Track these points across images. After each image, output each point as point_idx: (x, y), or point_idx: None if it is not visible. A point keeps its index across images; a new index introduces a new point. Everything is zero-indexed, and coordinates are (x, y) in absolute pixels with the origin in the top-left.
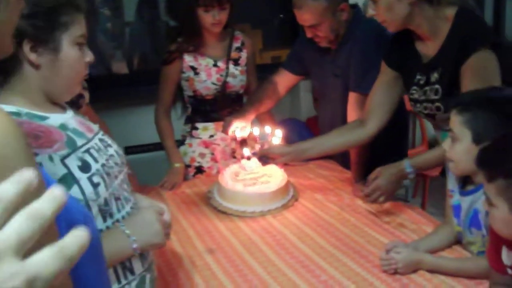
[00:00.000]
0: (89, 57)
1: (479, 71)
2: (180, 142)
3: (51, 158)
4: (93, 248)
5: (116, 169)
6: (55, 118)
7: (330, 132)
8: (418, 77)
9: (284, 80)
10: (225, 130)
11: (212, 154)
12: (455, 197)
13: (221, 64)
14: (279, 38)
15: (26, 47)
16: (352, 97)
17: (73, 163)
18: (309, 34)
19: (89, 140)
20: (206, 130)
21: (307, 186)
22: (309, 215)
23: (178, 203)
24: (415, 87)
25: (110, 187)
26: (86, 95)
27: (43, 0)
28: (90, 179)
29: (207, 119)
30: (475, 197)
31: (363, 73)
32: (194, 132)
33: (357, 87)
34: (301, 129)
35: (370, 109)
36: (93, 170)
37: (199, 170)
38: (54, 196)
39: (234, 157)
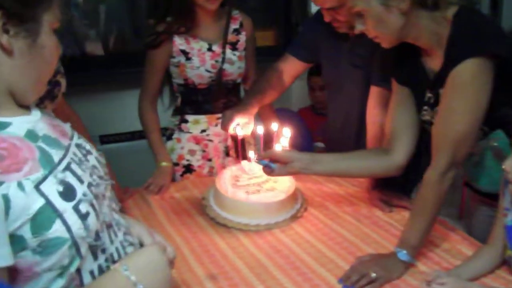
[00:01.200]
0: (60, 49)
1: (459, 86)
2: (167, 137)
3: (21, 186)
4: None
5: (102, 186)
6: (19, 124)
7: (350, 152)
8: (428, 95)
9: (290, 67)
10: (224, 127)
11: (204, 151)
12: (510, 217)
13: (216, 48)
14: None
15: None
16: (375, 92)
17: (51, 188)
18: (327, 18)
19: (66, 150)
20: (197, 123)
21: (316, 193)
22: (322, 228)
23: (167, 211)
24: (425, 107)
25: (100, 214)
26: (63, 82)
27: None
28: (76, 208)
29: (198, 111)
30: None
31: None
32: (183, 125)
33: (382, 81)
34: (295, 120)
35: (392, 136)
36: (79, 195)
37: (188, 169)
38: None
39: (228, 155)
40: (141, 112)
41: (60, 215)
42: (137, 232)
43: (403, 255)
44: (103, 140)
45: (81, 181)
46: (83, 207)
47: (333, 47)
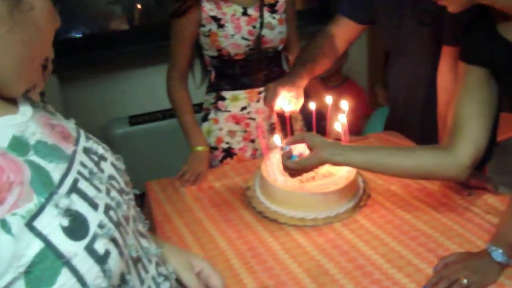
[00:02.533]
0: (57, 20)
1: None
2: (202, 118)
3: (5, 226)
4: None
5: (124, 205)
6: (1, 128)
7: (397, 147)
8: None
9: (344, 31)
10: (269, 102)
11: (245, 131)
12: None
13: (252, 11)
14: None
15: None
16: (448, 53)
17: (52, 224)
18: None
19: (71, 162)
20: (236, 100)
21: (377, 174)
22: (392, 220)
23: (205, 205)
24: None
25: (125, 249)
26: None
27: None
28: (90, 249)
29: (236, 86)
30: None
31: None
32: (220, 103)
33: (457, 40)
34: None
35: (456, 128)
36: (93, 228)
37: (229, 153)
38: None
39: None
40: (170, 91)
41: (67, 262)
42: (174, 267)
43: (498, 254)
44: (132, 121)
45: (94, 205)
46: (100, 245)
47: (393, 2)
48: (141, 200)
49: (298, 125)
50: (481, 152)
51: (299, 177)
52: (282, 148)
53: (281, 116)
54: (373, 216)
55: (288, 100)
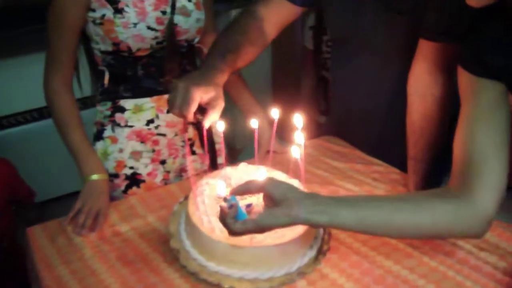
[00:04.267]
0: None
1: None
2: (95, 137)
3: None
4: None
5: None
6: None
7: (395, 197)
8: None
9: (277, 13)
10: (181, 111)
11: (153, 151)
12: None
13: None
14: None
15: None
16: (428, 49)
17: None
18: None
19: None
20: (140, 111)
21: None
22: (369, 269)
23: (110, 260)
24: None
25: None
26: None
27: None
28: None
29: (140, 92)
30: None
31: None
32: (118, 116)
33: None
34: None
35: (472, 168)
36: None
37: (134, 180)
38: None
39: (194, 153)
40: (49, 99)
41: None
42: None
43: None
44: (2, 123)
45: None
46: None
47: None
48: None
49: (219, 138)
50: (503, 194)
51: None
52: (224, 199)
53: (198, 127)
54: (342, 265)
55: (206, 104)
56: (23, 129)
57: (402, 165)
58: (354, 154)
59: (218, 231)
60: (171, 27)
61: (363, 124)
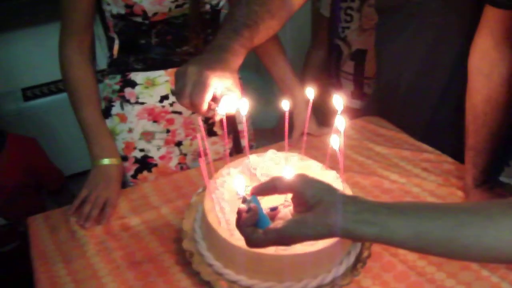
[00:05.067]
0: None
1: None
2: (102, 113)
3: None
4: None
5: None
6: None
7: (458, 205)
8: None
9: None
10: (194, 99)
11: (168, 131)
12: None
13: None
14: None
15: None
16: (496, 19)
17: None
18: None
19: None
20: (152, 86)
21: (375, 194)
22: (417, 282)
23: (115, 260)
24: None
25: None
26: None
27: None
28: None
29: (153, 63)
30: None
31: None
32: (128, 91)
33: None
34: None
35: None
36: None
37: (145, 164)
38: None
39: (215, 134)
40: (63, 66)
41: None
42: None
43: None
44: (27, 95)
45: None
46: None
47: None
48: None
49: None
50: None
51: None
52: (243, 200)
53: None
54: (385, 277)
55: (223, 93)
56: (47, 100)
57: (455, 155)
58: (400, 138)
59: (238, 234)
60: None
61: (412, 106)
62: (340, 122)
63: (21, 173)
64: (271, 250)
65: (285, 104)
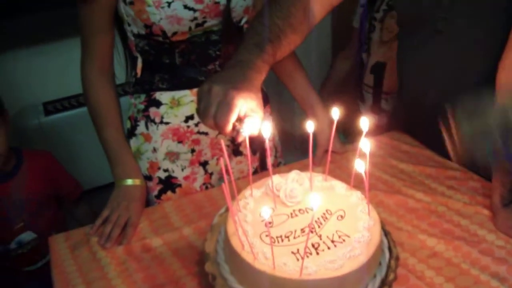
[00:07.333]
0: None
1: None
2: (127, 133)
3: None
4: None
5: None
6: None
7: None
8: None
9: None
10: (220, 120)
11: (193, 152)
12: None
13: None
14: None
15: None
16: None
17: None
18: None
19: None
20: (178, 106)
21: (399, 214)
22: None
23: (136, 283)
24: None
25: None
26: None
27: None
28: None
29: (178, 83)
30: None
31: None
32: (153, 111)
33: None
34: None
35: None
36: None
37: (169, 184)
38: None
39: (240, 154)
40: (86, 90)
41: None
42: None
43: None
44: (48, 109)
45: None
46: None
47: None
48: None
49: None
50: None
51: (292, 246)
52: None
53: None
54: None
55: (246, 114)
56: (68, 114)
57: (481, 172)
58: (424, 154)
59: (262, 258)
60: (228, 1)
61: (436, 122)
62: (366, 144)
63: (43, 186)
64: (295, 275)
65: (309, 126)
